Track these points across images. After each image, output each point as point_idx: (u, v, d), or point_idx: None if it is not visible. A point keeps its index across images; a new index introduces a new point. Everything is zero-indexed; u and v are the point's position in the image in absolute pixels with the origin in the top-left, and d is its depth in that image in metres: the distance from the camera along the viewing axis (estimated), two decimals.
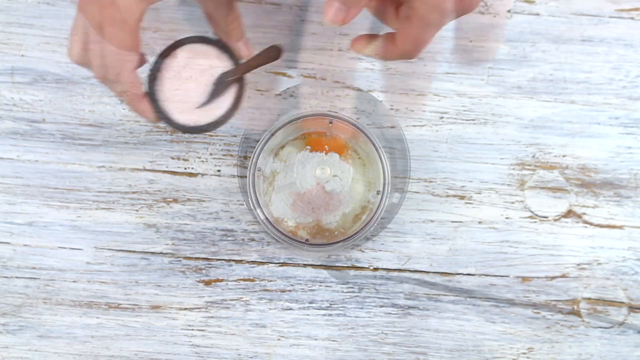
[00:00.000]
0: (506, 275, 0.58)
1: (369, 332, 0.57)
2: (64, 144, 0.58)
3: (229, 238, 0.58)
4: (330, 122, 0.55)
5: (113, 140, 0.58)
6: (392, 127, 0.57)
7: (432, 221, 0.58)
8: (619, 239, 0.58)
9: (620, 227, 0.58)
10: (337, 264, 0.58)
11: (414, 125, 0.58)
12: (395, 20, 0.44)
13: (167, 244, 0.57)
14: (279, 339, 0.57)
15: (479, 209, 0.58)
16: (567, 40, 0.58)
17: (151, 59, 0.48)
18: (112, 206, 0.58)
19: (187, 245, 0.57)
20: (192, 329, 0.57)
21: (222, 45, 0.48)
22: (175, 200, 0.58)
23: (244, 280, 0.57)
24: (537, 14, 0.58)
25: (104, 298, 0.57)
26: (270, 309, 0.57)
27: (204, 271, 0.57)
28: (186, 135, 0.58)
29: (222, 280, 0.57)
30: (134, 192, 0.58)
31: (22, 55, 0.58)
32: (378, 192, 0.55)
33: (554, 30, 0.58)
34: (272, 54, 0.48)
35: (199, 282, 0.57)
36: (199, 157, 0.58)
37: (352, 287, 0.58)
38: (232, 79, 0.48)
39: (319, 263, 0.58)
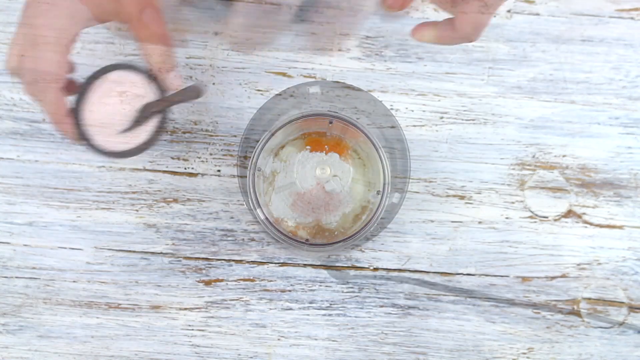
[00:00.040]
0: (506, 275, 0.58)
1: (369, 332, 0.57)
2: (64, 144, 0.58)
3: (229, 238, 0.58)
4: (330, 122, 0.55)
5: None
6: (392, 127, 0.57)
7: (432, 221, 0.58)
8: (619, 239, 0.58)
9: (620, 227, 0.58)
10: (337, 264, 0.58)
11: (414, 125, 0.58)
12: (452, 5, 0.45)
13: (167, 244, 0.57)
14: (279, 339, 0.57)
15: (479, 209, 0.58)
16: (567, 40, 0.58)
17: (81, 81, 0.49)
18: (112, 206, 0.58)
19: (187, 245, 0.57)
20: (192, 329, 0.57)
21: (150, 75, 0.49)
22: (175, 200, 0.58)
23: (244, 280, 0.57)
24: (537, 14, 0.58)
25: (104, 298, 0.57)
26: (270, 309, 0.57)
27: (204, 271, 0.57)
28: (186, 135, 0.58)
29: (222, 280, 0.57)
30: (134, 192, 0.58)
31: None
32: (378, 192, 0.55)
33: (554, 30, 0.58)
34: (193, 92, 0.50)
35: (199, 282, 0.57)
36: (199, 157, 0.58)
37: (352, 287, 0.58)
38: (155, 110, 0.49)
39: (319, 263, 0.58)
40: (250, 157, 0.55)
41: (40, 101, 0.47)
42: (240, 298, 0.57)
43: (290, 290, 0.57)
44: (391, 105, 0.58)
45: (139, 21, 0.47)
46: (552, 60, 0.58)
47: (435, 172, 0.58)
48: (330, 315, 0.57)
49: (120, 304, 0.57)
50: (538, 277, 0.57)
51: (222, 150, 0.58)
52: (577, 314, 0.57)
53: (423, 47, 0.58)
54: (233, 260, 0.57)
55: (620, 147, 0.58)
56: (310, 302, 0.57)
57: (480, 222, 0.58)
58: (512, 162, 0.58)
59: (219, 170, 0.58)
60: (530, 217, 0.58)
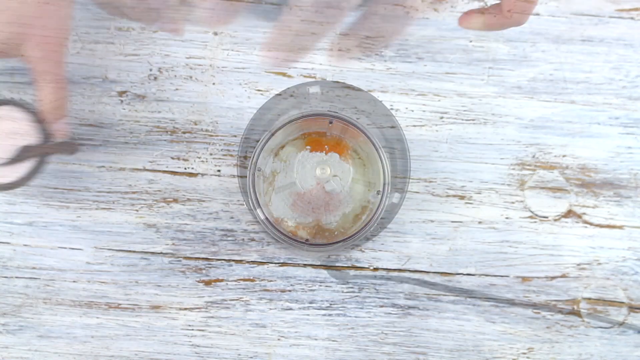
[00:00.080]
0: (506, 275, 0.58)
1: (369, 332, 0.57)
2: None
3: (229, 238, 0.58)
4: (330, 122, 0.55)
5: (113, 140, 0.58)
6: (392, 127, 0.57)
7: (432, 221, 0.58)
8: (619, 239, 0.58)
9: (620, 227, 0.58)
10: (337, 264, 0.58)
11: (414, 125, 0.58)
12: None
13: (167, 244, 0.57)
14: (279, 339, 0.57)
15: (479, 209, 0.58)
16: (567, 40, 0.58)
17: None
18: (112, 206, 0.58)
19: (187, 245, 0.57)
20: (192, 329, 0.57)
21: (38, 118, 0.51)
22: (175, 200, 0.58)
23: (244, 280, 0.57)
24: (537, 14, 0.58)
25: (104, 298, 0.57)
26: (270, 309, 0.57)
27: (204, 271, 0.57)
28: (186, 135, 0.58)
29: (222, 280, 0.57)
30: (134, 192, 0.58)
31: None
32: (378, 192, 0.55)
33: (554, 30, 0.58)
34: (69, 148, 0.53)
35: (199, 282, 0.57)
36: (199, 157, 0.58)
37: (352, 287, 0.58)
38: (33, 154, 0.51)
39: (319, 263, 0.58)
40: (250, 157, 0.55)
41: None
42: (240, 298, 0.57)
43: (290, 290, 0.57)
44: (391, 105, 0.58)
45: (41, 63, 0.48)
46: (552, 60, 0.58)
47: (435, 172, 0.58)
48: (330, 315, 0.57)
49: (120, 304, 0.57)
50: (538, 277, 0.57)
51: (222, 150, 0.58)
52: (577, 314, 0.57)
53: (423, 47, 0.58)
54: (233, 260, 0.57)
55: (620, 147, 0.58)
56: (310, 302, 0.57)
57: (480, 222, 0.58)
58: (512, 162, 0.58)
59: (219, 170, 0.58)
60: (530, 217, 0.58)
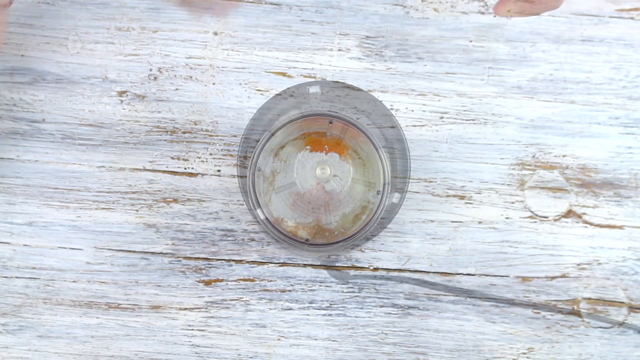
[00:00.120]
0: (506, 275, 0.58)
1: (369, 332, 0.57)
2: (64, 144, 0.58)
3: (229, 238, 0.58)
4: (330, 122, 0.55)
5: (113, 140, 0.58)
6: (392, 127, 0.57)
7: (432, 221, 0.58)
8: (619, 239, 0.58)
9: (620, 227, 0.58)
10: (337, 264, 0.58)
11: (414, 125, 0.58)
12: None
13: (167, 244, 0.57)
14: (279, 339, 0.57)
15: (479, 209, 0.58)
16: (567, 40, 0.58)
17: None
18: (112, 206, 0.58)
19: (187, 245, 0.57)
20: (192, 329, 0.57)
21: None
22: (175, 200, 0.58)
23: (244, 280, 0.57)
24: (537, 14, 0.58)
25: (104, 298, 0.57)
26: (270, 309, 0.57)
27: (204, 271, 0.57)
28: (186, 135, 0.58)
29: (222, 280, 0.57)
30: (134, 192, 0.58)
31: (22, 55, 0.58)
32: (378, 192, 0.55)
33: (554, 30, 0.58)
34: None
35: (199, 282, 0.57)
36: (199, 157, 0.58)
37: (352, 287, 0.58)
38: None
39: (319, 263, 0.58)
40: (250, 157, 0.55)
41: None
42: (240, 298, 0.57)
43: (290, 290, 0.57)
44: (391, 105, 0.58)
45: None
46: (552, 60, 0.58)
47: (435, 172, 0.58)
48: (330, 315, 0.57)
49: (120, 304, 0.57)
50: (538, 277, 0.57)
51: (222, 150, 0.58)
52: (577, 314, 0.57)
53: (423, 47, 0.58)
54: (233, 260, 0.57)
55: (620, 147, 0.58)
56: (310, 302, 0.57)
57: (480, 222, 0.58)
58: (512, 162, 0.58)
59: (219, 170, 0.58)
60: (530, 217, 0.58)
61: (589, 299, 0.58)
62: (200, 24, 0.58)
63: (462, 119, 0.58)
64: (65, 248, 0.57)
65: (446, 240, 0.58)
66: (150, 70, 0.58)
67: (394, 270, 0.58)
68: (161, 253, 0.57)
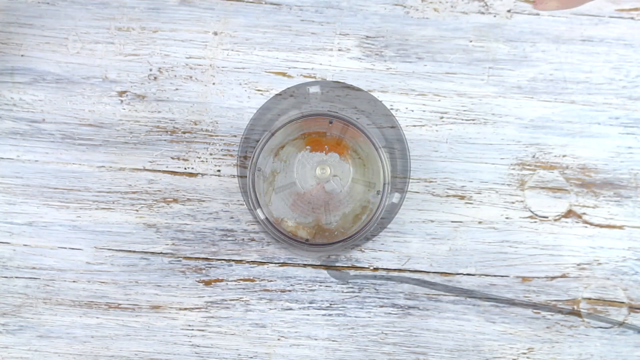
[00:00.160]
0: (506, 275, 0.58)
1: (369, 332, 0.57)
2: (64, 144, 0.58)
3: (229, 238, 0.58)
4: (330, 122, 0.55)
5: (113, 140, 0.58)
6: (392, 127, 0.57)
7: (432, 221, 0.58)
8: (619, 239, 0.58)
9: (620, 227, 0.58)
10: (337, 264, 0.58)
11: (414, 125, 0.58)
12: None
13: (167, 244, 0.57)
14: (279, 339, 0.57)
15: (479, 209, 0.58)
16: (567, 40, 0.58)
17: None
18: (112, 206, 0.58)
19: (187, 245, 0.57)
20: (192, 329, 0.57)
21: None
22: (175, 200, 0.58)
23: (244, 280, 0.57)
24: (537, 14, 0.58)
25: (104, 298, 0.57)
26: (270, 309, 0.57)
27: (204, 271, 0.57)
28: (186, 135, 0.58)
29: (222, 280, 0.57)
30: (134, 192, 0.58)
31: (22, 55, 0.58)
32: (378, 192, 0.55)
33: (554, 30, 0.58)
34: None
35: (199, 282, 0.57)
36: (199, 157, 0.58)
37: (352, 287, 0.58)
38: None
39: (319, 263, 0.58)
40: (250, 157, 0.55)
41: None
42: (240, 298, 0.57)
43: (290, 290, 0.57)
44: (391, 105, 0.58)
45: None
46: (552, 60, 0.58)
47: (435, 172, 0.58)
48: (330, 315, 0.57)
49: (120, 304, 0.57)
50: (538, 277, 0.57)
51: (222, 150, 0.58)
52: (577, 314, 0.57)
53: (423, 47, 0.58)
54: (233, 260, 0.57)
55: (620, 147, 0.58)
56: (310, 302, 0.57)
57: (480, 222, 0.58)
58: (512, 162, 0.58)
59: (219, 170, 0.58)
60: (530, 217, 0.58)
61: (589, 299, 0.58)
62: (200, 24, 0.58)
63: (462, 119, 0.58)
64: (65, 248, 0.57)
65: (446, 240, 0.58)
66: (150, 70, 0.58)
67: (394, 270, 0.58)
68: (161, 253, 0.57)
